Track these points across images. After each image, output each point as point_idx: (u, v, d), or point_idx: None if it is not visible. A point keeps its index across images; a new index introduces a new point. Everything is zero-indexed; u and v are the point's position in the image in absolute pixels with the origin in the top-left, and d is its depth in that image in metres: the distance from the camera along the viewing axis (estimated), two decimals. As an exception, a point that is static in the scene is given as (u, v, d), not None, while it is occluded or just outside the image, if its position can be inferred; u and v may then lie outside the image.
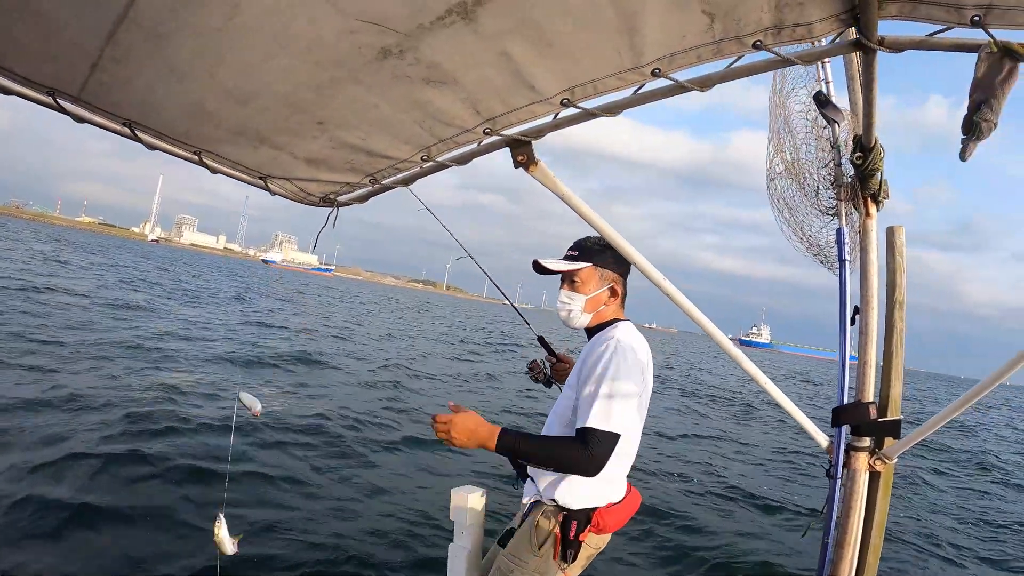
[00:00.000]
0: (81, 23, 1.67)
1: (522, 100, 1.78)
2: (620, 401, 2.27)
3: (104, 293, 23.48)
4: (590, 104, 1.71)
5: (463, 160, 2.16)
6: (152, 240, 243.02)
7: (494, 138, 1.99)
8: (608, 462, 2.31)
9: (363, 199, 2.66)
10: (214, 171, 2.47)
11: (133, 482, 5.85)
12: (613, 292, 2.59)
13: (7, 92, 1.99)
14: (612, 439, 2.25)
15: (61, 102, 2.06)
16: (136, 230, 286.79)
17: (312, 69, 1.74)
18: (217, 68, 1.80)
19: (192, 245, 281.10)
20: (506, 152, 2.15)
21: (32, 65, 1.95)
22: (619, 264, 2.60)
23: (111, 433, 7.07)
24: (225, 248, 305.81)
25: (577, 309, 2.56)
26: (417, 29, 1.50)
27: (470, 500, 2.93)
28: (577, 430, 2.31)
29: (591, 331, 2.61)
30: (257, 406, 2.95)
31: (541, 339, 3.36)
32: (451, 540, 2.94)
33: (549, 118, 1.85)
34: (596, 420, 2.25)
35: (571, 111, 1.76)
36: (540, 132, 1.95)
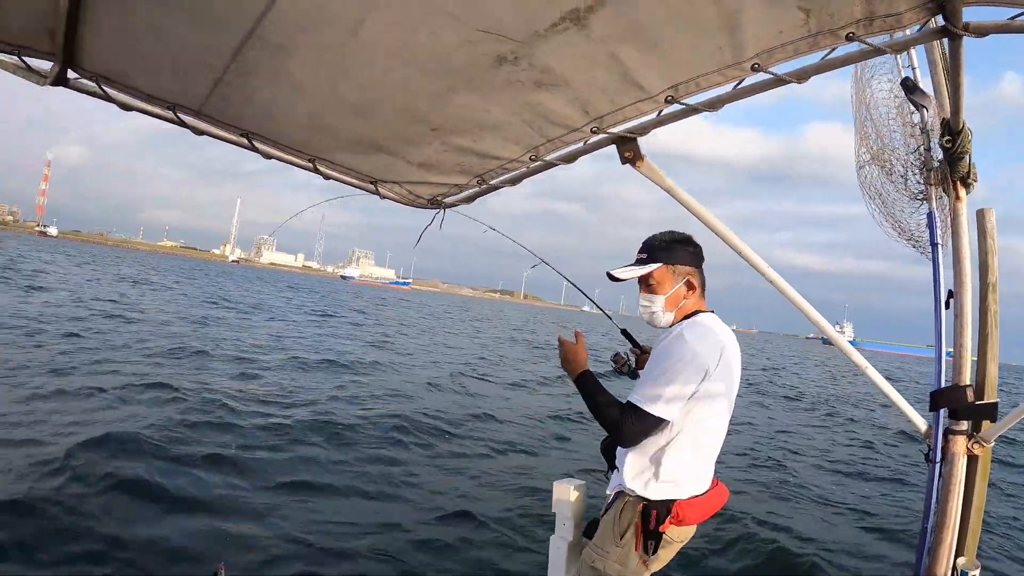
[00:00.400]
0: (209, 42, 1.79)
1: (628, 99, 1.84)
2: (667, 386, 2.32)
3: (193, 311, 24.51)
4: (692, 100, 1.76)
5: (570, 158, 2.22)
6: (233, 261, 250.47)
7: (601, 136, 2.05)
8: (673, 448, 2.40)
9: (469, 200, 2.75)
10: (327, 177, 2.60)
11: (216, 482, 6.22)
12: (689, 285, 2.57)
13: (128, 108, 2.15)
14: (648, 419, 2.32)
15: (182, 116, 2.20)
16: (217, 252, 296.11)
17: (430, 79, 1.84)
18: (339, 82, 1.91)
19: (271, 264, 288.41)
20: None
21: (156, 82, 2.09)
22: (691, 257, 2.60)
23: (200, 437, 7.53)
24: (304, 266, 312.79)
25: (658, 310, 2.57)
26: (532, 36, 1.58)
27: (571, 493, 3.00)
28: (626, 401, 2.39)
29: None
30: None
31: (624, 331, 3.41)
32: (543, 531, 3.03)
33: (653, 115, 1.90)
34: (637, 397, 2.35)
35: (675, 107, 1.82)
36: (645, 129, 2.00)
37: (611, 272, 2.58)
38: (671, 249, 2.58)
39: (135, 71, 2.05)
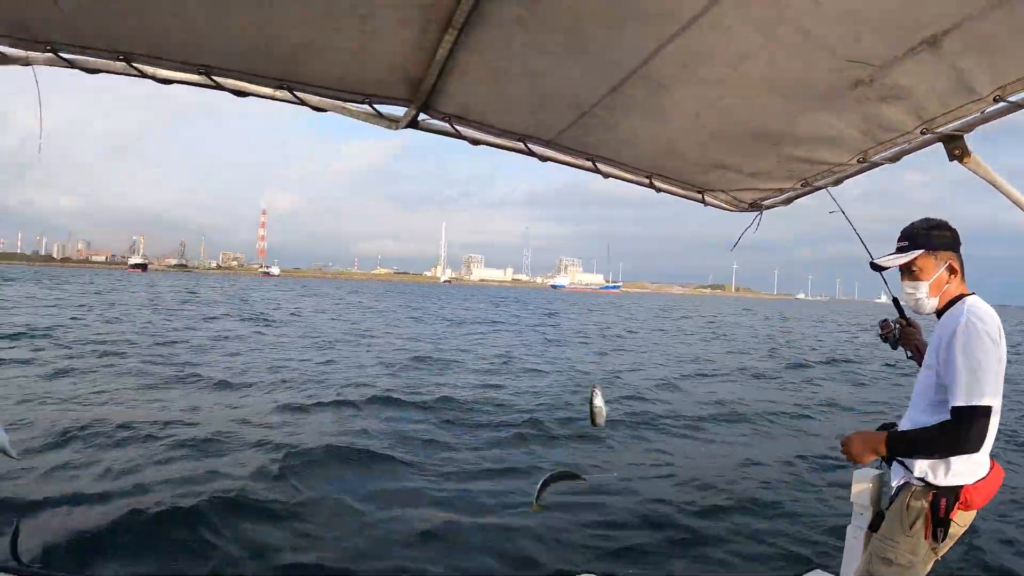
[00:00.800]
0: (588, 81, 1.98)
1: (959, 101, 1.90)
2: (982, 375, 2.27)
3: (421, 329, 26.50)
4: (1016, 98, 1.81)
5: (896, 158, 2.29)
6: (445, 281, 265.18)
7: (928, 136, 2.11)
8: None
9: (788, 201, 2.84)
10: (659, 191, 2.80)
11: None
12: (951, 270, 2.53)
13: (476, 143, 2.41)
14: (984, 412, 2.26)
15: (531, 146, 2.42)
16: (428, 274, 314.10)
17: (790, 104, 2.00)
18: (704, 111, 2.08)
19: (481, 280, 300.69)
20: None
21: (513, 119, 2.31)
22: (950, 241, 2.55)
23: (452, 445, 8.12)
24: (513, 279, 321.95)
25: (923, 296, 2.55)
26: (890, 60, 1.71)
27: (871, 482, 2.94)
28: (951, 410, 2.31)
29: (940, 312, 2.58)
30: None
31: (895, 300, 3.33)
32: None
33: (979, 113, 1.94)
34: (964, 397, 2.27)
35: (1001, 105, 1.86)
36: (970, 126, 2.04)
37: (875, 261, 2.60)
38: (930, 235, 2.55)
39: (493, 109, 2.27)
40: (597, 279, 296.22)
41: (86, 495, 5.79)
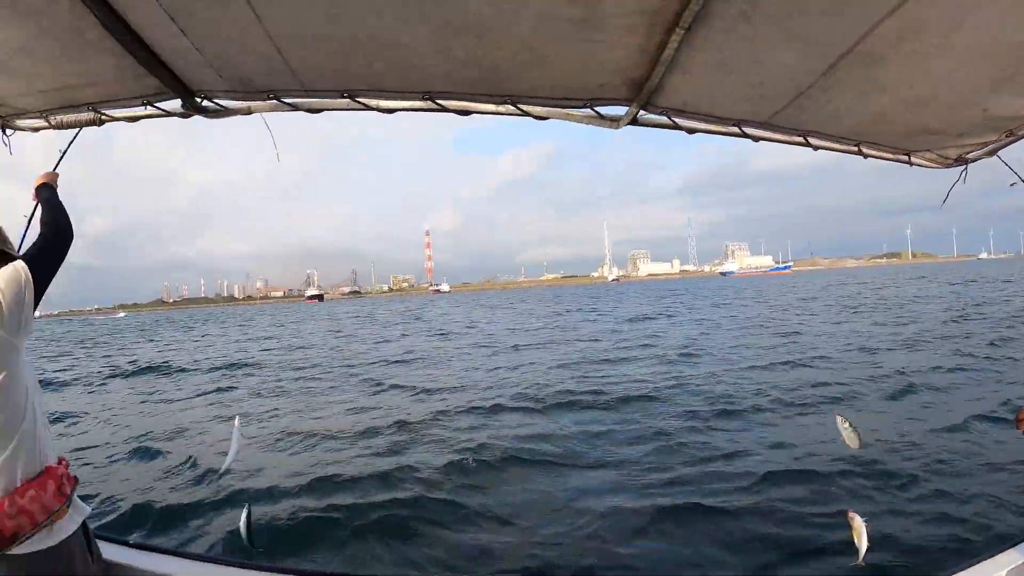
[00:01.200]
0: (804, 64, 2.04)
1: None
2: None
3: (593, 328, 26.58)
4: None
5: None
6: (613, 280, 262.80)
7: None
8: None
9: (991, 153, 2.80)
10: (866, 156, 2.87)
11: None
12: None
13: (692, 131, 2.55)
14: None
15: (745, 129, 2.53)
16: (595, 275, 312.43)
17: (997, 67, 2.01)
18: (914, 82, 2.13)
19: (649, 275, 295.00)
20: None
21: (729, 107, 2.42)
22: None
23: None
24: (681, 271, 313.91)
25: None
26: None
27: None
28: None
29: None
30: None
31: None
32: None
33: None
34: None
35: None
36: None
37: None
38: None
39: (711, 100, 2.36)
40: (766, 261, 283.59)
41: (290, 493, 6.60)
